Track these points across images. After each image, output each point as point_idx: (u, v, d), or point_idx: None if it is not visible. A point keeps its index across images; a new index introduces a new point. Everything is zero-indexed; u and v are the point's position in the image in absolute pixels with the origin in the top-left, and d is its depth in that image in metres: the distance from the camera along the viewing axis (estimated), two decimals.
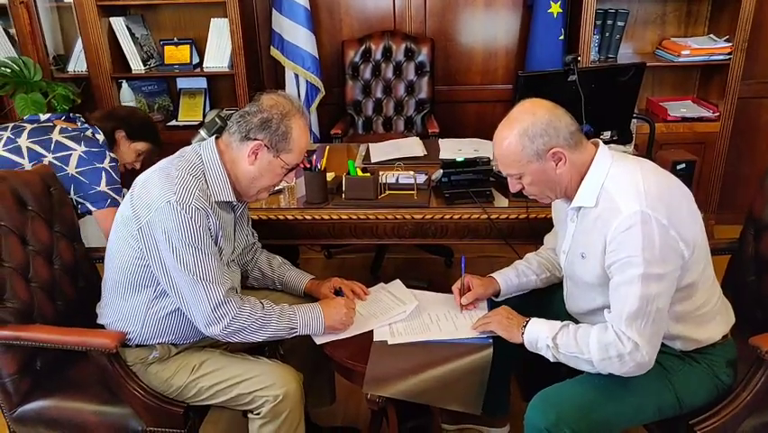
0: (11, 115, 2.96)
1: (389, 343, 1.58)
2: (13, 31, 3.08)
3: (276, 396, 1.53)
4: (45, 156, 1.97)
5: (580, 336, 1.41)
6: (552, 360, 1.46)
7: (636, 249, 1.30)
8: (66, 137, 2.03)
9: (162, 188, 1.46)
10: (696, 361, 1.46)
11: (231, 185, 1.55)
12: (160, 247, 1.45)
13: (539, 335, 1.46)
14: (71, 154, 1.99)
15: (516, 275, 1.73)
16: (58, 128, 2.06)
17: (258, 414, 1.56)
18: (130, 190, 1.54)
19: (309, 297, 1.79)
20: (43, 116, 2.18)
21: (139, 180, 1.54)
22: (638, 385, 1.41)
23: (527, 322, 1.51)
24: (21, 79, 2.73)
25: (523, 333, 1.49)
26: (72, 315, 1.71)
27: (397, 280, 1.85)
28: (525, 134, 1.38)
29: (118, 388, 1.54)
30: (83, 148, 2.01)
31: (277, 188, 1.83)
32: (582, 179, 1.42)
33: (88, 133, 2.08)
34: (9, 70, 2.73)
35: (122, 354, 1.55)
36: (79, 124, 2.14)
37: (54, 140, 2.01)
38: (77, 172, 1.97)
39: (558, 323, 1.46)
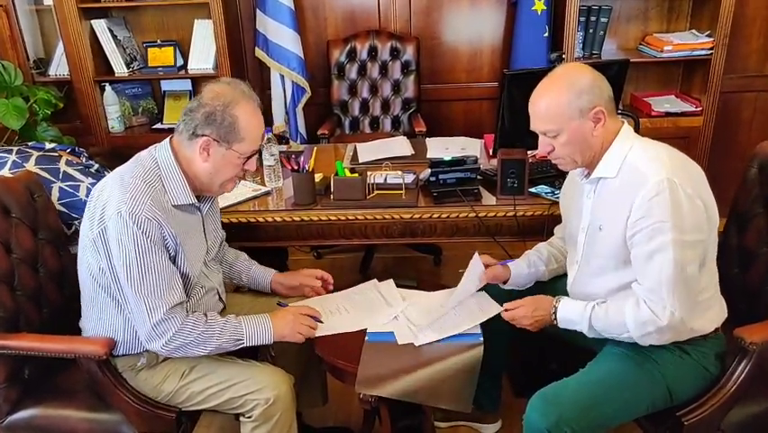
0: None
1: (416, 344, 1.57)
2: None
3: (267, 399, 1.53)
4: (54, 183, 1.98)
5: (613, 316, 1.42)
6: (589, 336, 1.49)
7: (666, 215, 1.32)
8: (73, 169, 2.05)
9: (115, 196, 1.43)
10: (686, 352, 1.47)
11: (190, 186, 1.52)
12: (111, 256, 1.43)
13: (572, 319, 1.49)
14: (80, 185, 2.01)
15: (528, 265, 1.75)
16: (64, 159, 2.09)
17: (249, 417, 1.55)
18: (87, 201, 1.52)
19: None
20: (48, 144, 2.20)
21: (96, 189, 1.51)
22: (633, 380, 1.43)
23: (556, 309, 1.51)
24: (1, 84, 2.69)
25: (555, 321, 1.52)
26: (59, 322, 1.69)
27: (390, 281, 1.85)
28: (572, 89, 1.39)
29: (109, 395, 1.52)
30: (90, 180, 2.04)
31: (243, 180, 1.81)
32: (605, 151, 1.44)
33: (93, 169, 2.12)
34: None
35: (111, 361, 1.53)
36: (83, 159, 2.18)
37: (62, 170, 2.03)
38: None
39: (587, 304, 1.47)
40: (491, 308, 1.66)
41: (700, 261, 1.39)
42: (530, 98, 1.46)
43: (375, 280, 1.85)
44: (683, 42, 3.01)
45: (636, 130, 2.27)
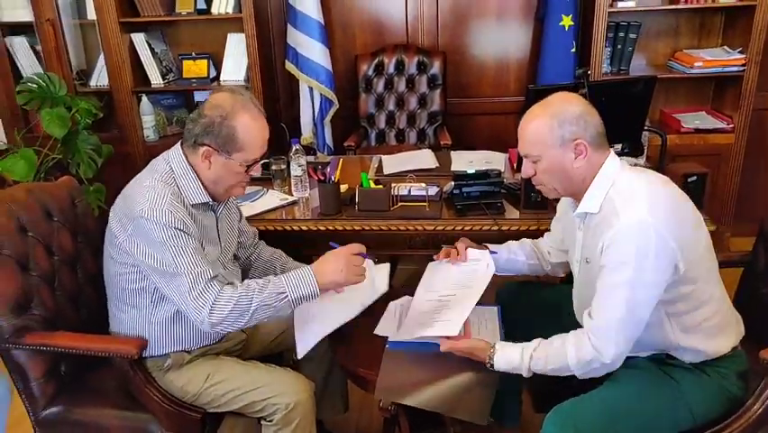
0: (36, 129, 3.05)
1: (390, 338, 1.62)
2: (39, 47, 3.18)
3: (287, 404, 1.56)
4: None
5: (554, 361, 1.42)
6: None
7: (629, 255, 1.32)
8: None
9: (137, 198, 1.48)
10: (706, 373, 1.46)
11: (203, 185, 1.56)
12: (143, 255, 1.47)
13: (509, 368, 1.47)
14: None
15: (508, 251, 1.78)
16: None
17: (270, 421, 1.59)
18: (111, 210, 1.57)
19: None
20: None
21: (118, 198, 1.57)
22: (653, 400, 1.42)
23: (492, 359, 1.48)
24: (46, 95, 2.81)
25: (492, 364, 1.49)
26: (94, 322, 1.76)
27: (387, 265, 1.80)
28: (556, 117, 1.41)
29: (139, 393, 1.58)
30: None
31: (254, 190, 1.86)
32: (587, 186, 1.45)
33: None
34: (36, 86, 2.81)
35: (141, 361, 1.59)
36: None
37: None
38: None
39: (523, 351, 1.45)
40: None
41: (654, 305, 1.37)
42: (521, 119, 1.49)
43: (369, 262, 1.66)
44: (714, 59, 2.99)
45: (663, 147, 2.30)
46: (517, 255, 1.78)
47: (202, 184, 1.55)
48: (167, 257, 1.45)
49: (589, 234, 1.48)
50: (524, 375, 1.48)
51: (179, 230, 1.46)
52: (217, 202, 1.63)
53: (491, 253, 1.75)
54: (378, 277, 1.72)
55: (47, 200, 1.75)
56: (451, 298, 1.66)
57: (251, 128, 1.51)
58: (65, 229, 1.77)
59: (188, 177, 1.54)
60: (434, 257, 1.79)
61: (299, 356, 1.60)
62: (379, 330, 1.69)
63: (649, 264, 1.32)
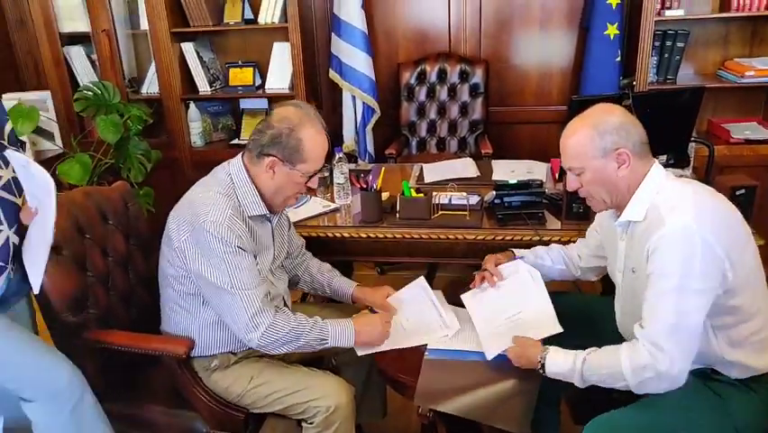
0: (90, 135, 3.19)
1: (428, 349, 1.63)
2: (94, 56, 3.34)
3: (328, 407, 1.60)
4: None
5: (607, 367, 1.40)
6: (582, 387, 1.45)
7: (674, 261, 1.31)
8: None
9: (198, 209, 1.55)
10: (753, 390, 1.43)
11: (261, 198, 1.62)
12: (197, 264, 1.54)
13: (561, 373, 1.46)
14: None
15: (534, 256, 1.79)
16: None
17: (311, 423, 1.62)
18: (170, 213, 1.64)
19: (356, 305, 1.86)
20: None
21: (178, 204, 1.64)
22: (696, 415, 1.40)
23: (544, 362, 1.48)
24: (101, 102, 2.94)
25: (543, 366, 1.49)
26: (145, 322, 1.83)
27: (440, 292, 1.86)
28: (596, 128, 1.41)
29: (186, 392, 1.64)
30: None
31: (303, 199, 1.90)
32: (632, 194, 1.44)
33: None
34: (92, 94, 2.95)
35: (189, 361, 1.65)
36: None
37: None
38: None
39: (576, 357, 1.44)
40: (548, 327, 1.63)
41: (706, 311, 1.34)
42: (562, 133, 1.49)
43: (423, 281, 1.85)
44: (767, 68, 2.90)
45: (711, 159, 2.25)
46: (544, 260, 1.78)
47: (260, 196, 1.62)
48: (222, 273, 1.52)
49: (633, 243, 1.47)
50: (575, 383, 1.46)
51: (238, 247, 1.53)
52: (273, 213, 1.70)
53: (519, 258, 1.76)
54: (448, 317, 1.79)
55: (103, 204, 1.83)
56: (520, 315, 1.68)
57: (316, 141, 1.58)
58: (118, 231, 1.85)
59: (248, 190, 1.61)
60: (470, 285, 1.79)
61: (36, 290, 1.56)
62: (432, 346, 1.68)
63: (696, 271, 1.30)
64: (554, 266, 1.79)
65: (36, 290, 1.52)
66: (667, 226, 1.33)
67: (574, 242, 1.94)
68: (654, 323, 1.35)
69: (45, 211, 1.44)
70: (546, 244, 1.96)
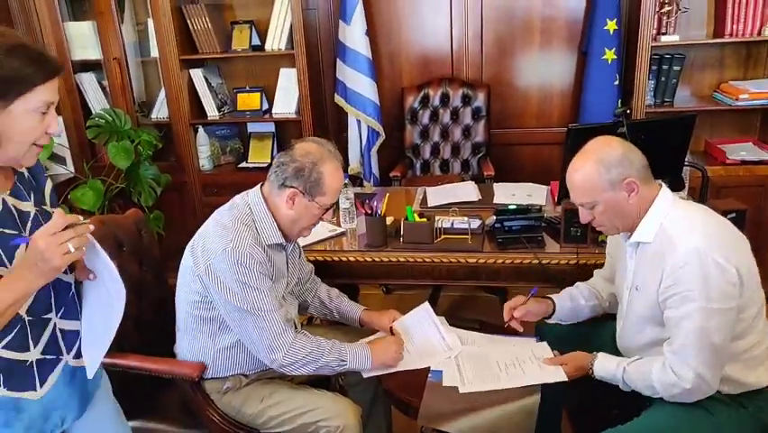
0: (101, 160, 3.28)
1: (461, 391, 1.63)
2: (105, 83, 3.44)
3: (337, 426, 1.65)
4: None
5: (642, 377, 1.48)
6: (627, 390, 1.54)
7: (693, 284, 1.37)
8: None
9: (220, 235, 1.63)
10: (743, 406, 1.47)
11: (278, 227, 1.70)
12: (221, 290, 1.61)
13: (607, 378, 1.56)
14: None
15: (570, 298, 1.82)
16: None
17: None
18: (190, 243, 1.72)
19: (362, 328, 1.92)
20: None
21: (198, 233, 1.72)
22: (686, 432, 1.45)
23: (594, 359, 1.59)
24: (113, 129, 3.03)
25: (592, 368, 1.58)
26: (156, 345, 1.88)
27: (443, 318, 1.92)
28: (601, 163, 1.48)
29: (199, 413, 1.70)
30: None
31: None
32: (642, 217, 1.51)
33: None
34: (104, 121, 3.04)
35: (201, 383, 1.71)
36: None
37: None
38: None
39: (618, 365, 1.54)
40: (551, 375, 1.65)
41: (731, 328, 1.40)
42: (567, 171, 1.56)
43: (428, 305, 1.92)
44: (761, 91, 2.97)
45: (704, 182, 2.30)
46: (579, 300, 1.82)
47: (277, 226, 1.69)
48: (245, 296, 1.60)
49: (642, 263, 1.53)
50: (620, 386, 1.54)
51: (260, 272, 1.61)
52: (288, 242, 1.77)
53: (553, 300, 1.82)
54: (450, 339, 1.84)
55: (118, 232, 1.90)
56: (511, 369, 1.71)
57: (335, 176, 1.67)
58: (133, 258, 1.92)
59: (267, 219, 1.68)
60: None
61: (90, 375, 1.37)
62: (447, 381, 1.68)
63: (714, 292, 1.37)
64: (588, 303, 1.82)
65: (90, 376, 1.35)
66: (679, 250, 1.40)
67: (573, 264, 2.01)
68: (678, 343, 1.42)
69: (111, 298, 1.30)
70: (545, 266, 2.03)
